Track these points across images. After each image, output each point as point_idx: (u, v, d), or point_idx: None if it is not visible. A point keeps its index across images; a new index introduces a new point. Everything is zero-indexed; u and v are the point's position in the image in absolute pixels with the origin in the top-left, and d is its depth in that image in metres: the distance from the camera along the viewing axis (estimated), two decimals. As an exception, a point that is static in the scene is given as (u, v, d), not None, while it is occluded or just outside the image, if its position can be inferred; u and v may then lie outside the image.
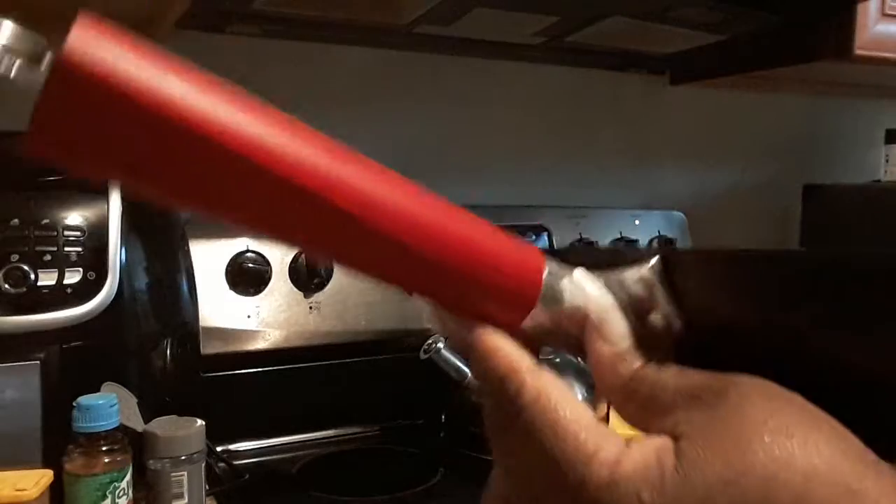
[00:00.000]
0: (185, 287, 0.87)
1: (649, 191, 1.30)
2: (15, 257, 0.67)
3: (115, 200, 0.73)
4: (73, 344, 0.69)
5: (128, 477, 0.65)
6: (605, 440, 0.24)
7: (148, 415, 0.72)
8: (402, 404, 1.00)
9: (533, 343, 0.28)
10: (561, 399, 0.25)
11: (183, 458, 0.68)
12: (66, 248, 0.69)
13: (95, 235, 0.71)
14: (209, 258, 0.88)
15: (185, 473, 0.68)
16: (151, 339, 0.82)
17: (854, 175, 1.43)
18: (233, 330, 0.89)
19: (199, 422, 0.70)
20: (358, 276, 0.26)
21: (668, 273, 0.27)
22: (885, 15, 0.97)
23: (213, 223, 0.22)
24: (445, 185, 1.40)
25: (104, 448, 0.63)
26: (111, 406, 0.63)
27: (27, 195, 0.70)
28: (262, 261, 0.90)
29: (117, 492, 0.63)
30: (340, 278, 0.93)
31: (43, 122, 0.20)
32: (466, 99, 1.15)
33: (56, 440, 0.65)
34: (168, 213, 0.87)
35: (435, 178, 1.39)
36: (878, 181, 1.33)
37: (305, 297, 0.93)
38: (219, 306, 0.89)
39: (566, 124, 1.24)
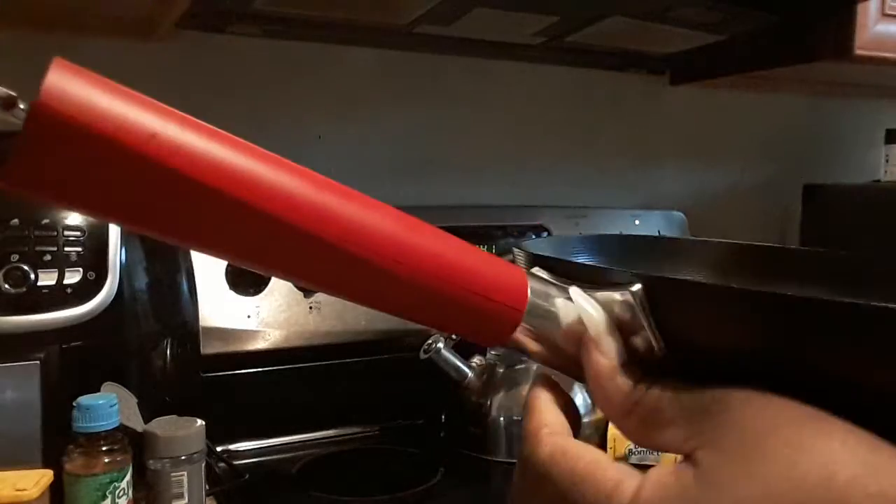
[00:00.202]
0: (185, 287, 0.88)
1: (649, 191, 1.30)
2: (15, 257, 0.67)
3: (115, 200, 0.72)
4: (73, 344, 0.69)
5: (128, 477, 0.65)
6: (624, 474, 0.24)
7: (148, 415, 0.72)
8: (402, 404, 1.00)
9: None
10: (577, 448, 0.26)
11: (183, 458, 0.68)
12: (66, 248, 0.69)
13: (95, 235, 0.71)
14: (209, 258, 0.88)
15: (185, 473, 0.68)
16: (151, 339, 0.82)
17: (854, 175, 1.43)
18: (233, 330, 0.89)
19: (199, 422, 0.70)
20: (342, 298, 0.27)
21: (650, 299, 0.26)
22: (885, 15, 0.97)
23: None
24: (446, 185, 1.40)
25: (104, 448, 0.63)
26: (111, 406, 0.63)
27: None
28: (262, 261, 0.90)
29: (117, 492, 0.63)
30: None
31: (22, 163, 0.21)
32: (466, 99, 1.15)
33: (56, 440, 0.65)
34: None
35: (435, 178, 1.39)
36: (878, 181, 1.33)
37: (305, 297, 0.93)
38: (219, 306, 0.89)
39: (566, 124, 1.24)
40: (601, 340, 0.27)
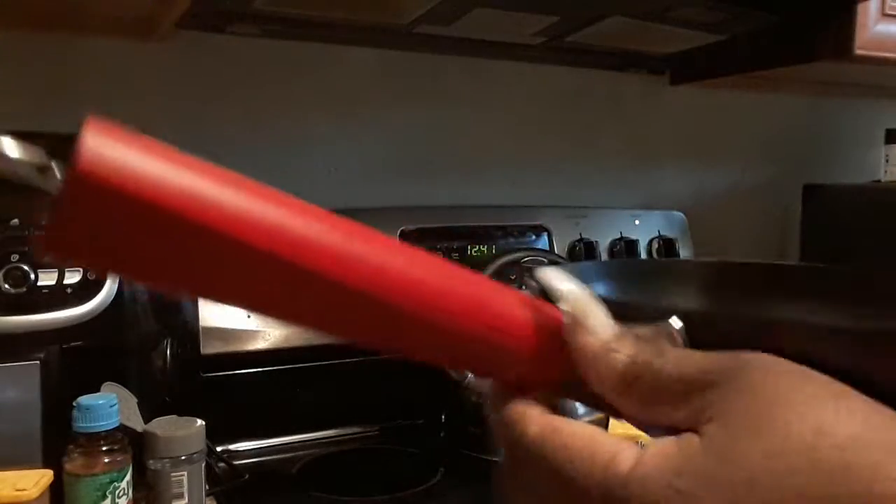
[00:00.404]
0: (185, 287, 0.87)
1: (649, 191, 1.30)
2: (15, 257, 0.67)
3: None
4: (73, 344, 0.69)
5: (128, 477, 0.65)
6: (620, 446, 0.23)
7: (148, 415, 0.72)
8: (402, 404, 1.00)
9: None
10: (567, 425, 0.24)
11: (183, 458, 0.68)
12: (66, 248, 0.69)
13: (95, 235, 0.71)
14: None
15: (185, 473, 0.68)
16: (151, 339, 0.82)
17: (854, 175, 1.43)
18: (233, 330, 0.89)
19: (199, 422, 0.70)
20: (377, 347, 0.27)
21: (689, 331, 0.25)
22: (885, 15, 0.97)
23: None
24: (446, 185, 1.40)
25: (104, 448, 0.63)
26: (111, 406, 0.63)
27: (27, 195, 0.70)
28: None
29: (117, 492, 0.63)
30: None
31: (61, 228, 0.21)
32: (466, 99, 1.15)
33: (56, 440, 0.65)
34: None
35: (435, 178, 1.38)
36: (878, 181, 1.33)
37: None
38: (219, 306, 0.89)
39: (566, 124, 1.24)
40: (586, 318, 0.26)
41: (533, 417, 0.25)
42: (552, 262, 1.06)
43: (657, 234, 1.18)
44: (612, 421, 0.66)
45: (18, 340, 0.67)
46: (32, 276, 0.67)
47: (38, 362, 0.68)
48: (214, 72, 1.00)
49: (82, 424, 0.62)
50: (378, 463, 0.92)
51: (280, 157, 1.04)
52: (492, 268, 0.97)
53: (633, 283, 0.40)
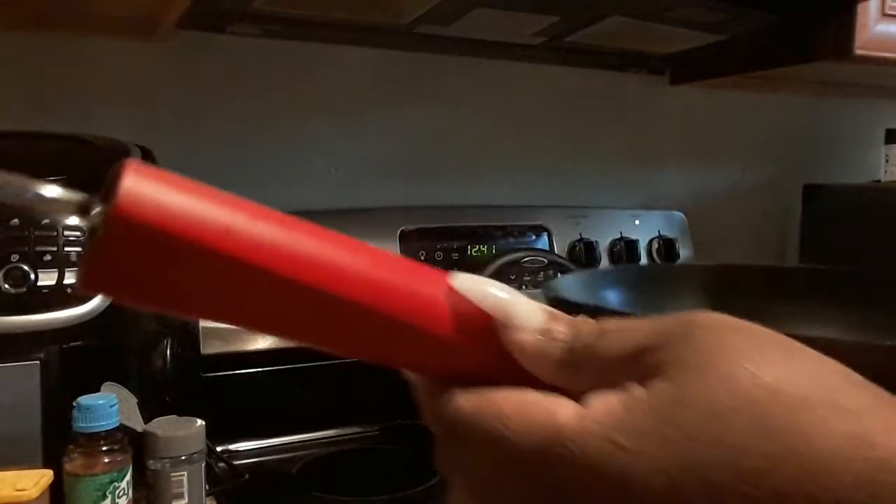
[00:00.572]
0: (185, 287, 0.87)
1: (649, 191, 1.30)
2: (15, 257, 0.67)
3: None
4: (73, 344, 0.69)
5: (128, 477, 0.65)
6: (558, 403, 0.22)
7: (148, 415, 0.72)
8: (402, 404, 1.00)
9: None
10: (502, 392, 0.23)
11: (183, 458, 0.68)
12: (66, 248, 0.69)
13: (95, 235, 0.71)
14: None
15: (185, 473, 0.68)
16: (151, 339, 0.82)
17: (854, 175, 1.43)
18: (233, 330, 0.89)
19: (199, 422, 0.70)
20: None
21: None
22: (885, 15, 0.97)
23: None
24: (446, 185, 1.40)
25: (104, 448, 0.63)
26: (111, 406, 0.63)
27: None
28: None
29: (117, 492, 0.63)
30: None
31: (100, 266, 0.22)
32: (466, 99, 1.15)
33: (56, 440, 0.65)
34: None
35: (435, 178, 1.39)
36: (878, 181, 1.33)
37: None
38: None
39: (566, 124, 1.24)
40: (512, 316, 0.24)
41: (466, 396, 0.24)
42: (559, 267, 1.06)
43: (657, 234, 1.18)
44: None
45: (18, 340, 0.67)
46: (32, 276, 0.67)
47: (37, 362, 0.67)
48: (214, 72, 1.00)
49: (82, 424, 0.62)
50: (378, 463, 0.92)
51: (280, 157, 1.04)
52: (492, 268, 0.97)
53: (641, 290, 0.40)
